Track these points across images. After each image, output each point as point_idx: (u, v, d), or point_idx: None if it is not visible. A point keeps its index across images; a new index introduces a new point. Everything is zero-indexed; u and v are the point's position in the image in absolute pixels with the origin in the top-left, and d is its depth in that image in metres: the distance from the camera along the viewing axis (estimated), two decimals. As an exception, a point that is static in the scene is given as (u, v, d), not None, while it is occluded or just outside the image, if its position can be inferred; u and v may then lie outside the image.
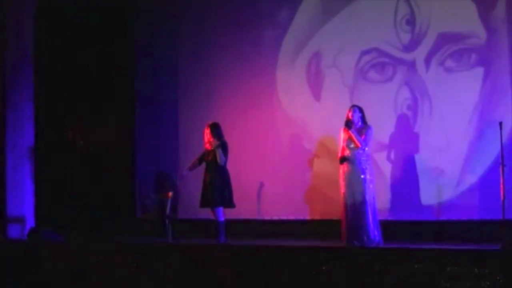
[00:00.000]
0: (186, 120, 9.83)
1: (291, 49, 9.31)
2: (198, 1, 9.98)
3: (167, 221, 8.83)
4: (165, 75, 10.08)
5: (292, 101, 9.29)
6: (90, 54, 10.13)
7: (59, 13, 10.19)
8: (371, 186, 7.64)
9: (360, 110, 7.82)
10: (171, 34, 10.07)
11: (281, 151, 9.27)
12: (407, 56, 8.59)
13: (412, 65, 8.57)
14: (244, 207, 8.65)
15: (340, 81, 8.96)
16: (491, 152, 7.92)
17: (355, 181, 7.63)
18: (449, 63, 8.39)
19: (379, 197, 7.96)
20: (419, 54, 8.52)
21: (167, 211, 8.93)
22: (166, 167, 9.79)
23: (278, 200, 9.16)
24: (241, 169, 8.90)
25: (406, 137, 8.52)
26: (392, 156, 8.55)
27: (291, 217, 9.09)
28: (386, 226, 7.85)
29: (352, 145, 7.69)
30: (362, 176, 7.62)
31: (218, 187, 8.08)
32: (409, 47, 8.59)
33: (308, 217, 9.03)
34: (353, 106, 7.88)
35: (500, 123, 7.26)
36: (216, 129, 8.22)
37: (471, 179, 8.18)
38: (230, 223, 8.26)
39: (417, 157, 8.42)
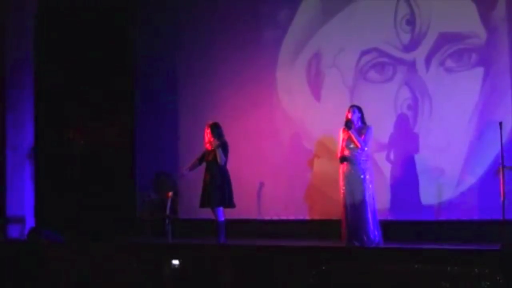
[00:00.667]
0: (186, 120, 9.83)
1: (291, 49, 9.31)
2: (198, 1, 9.97)
3: (167, 221, 8.83)
4: (165, 75, 10.07)
5: (292, 101, 9.29)
6: (90, 54, 10.13)
7: (59, 13, 10.18)
8: (370, 186, 7.65)
9: (359, 110, 7.82)
10: (171, 34, 10.07)
11: (281, 151, 9.27)
12: (407, 56, 8.60)
13: (412, 65, 8.57)
14: (244, 207, 8.65)
15: (340, 81, 8.96)
16: (491, 152, 7.92)
17: (354, 181, 7.64)
18: (449, 63, 8.39)
19: (379, 197, 7.97)
20: (419, 54, 8.52)
21: (167, 211, 8.93)
22: (166, 167, 9.78)
23: (278, 200, 9.16)
24: (241, 169, 8.90)
25: (406, 137, 8.52)
26: (392, 156, 8.56)
27: (291, 217, 9.09)
28: (386, 226, 7.86)
29: (351, 145, 7.69)
30: (361, 176, 7.63)
31: (218, 187, 8.08)
32: (409, 47, 8.59)
33: (308, 217, 9.04)
34: (352, 106, 7.88)
35: (500, 123, 7.26)
36: (216, 129, 8.22)
37: (471, 179, 8.19)
38: (230, 223, 8.26)
39: (417, 157, 8.42)
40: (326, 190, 8.75)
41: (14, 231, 9.49)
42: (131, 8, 10.31)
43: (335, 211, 8.00)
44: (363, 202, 7.58)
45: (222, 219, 8.12)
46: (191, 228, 9.16)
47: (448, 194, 8.30)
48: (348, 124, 7.68)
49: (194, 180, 8.57)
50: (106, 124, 10.25)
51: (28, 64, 9.85)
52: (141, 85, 10.24)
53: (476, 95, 8.25)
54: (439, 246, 7.12)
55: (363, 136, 7.67)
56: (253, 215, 9.17)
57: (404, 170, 8.48)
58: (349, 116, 7.76)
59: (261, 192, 9.22)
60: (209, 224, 8.31)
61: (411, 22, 8.61)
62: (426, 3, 8.52)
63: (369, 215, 7.58)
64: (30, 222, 9.62)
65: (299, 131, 9.22)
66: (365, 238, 7.54)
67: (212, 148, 8.15)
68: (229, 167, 8.21)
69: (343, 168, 7.75)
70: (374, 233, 7.58)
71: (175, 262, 6.92)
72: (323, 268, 6.37)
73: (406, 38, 8.62)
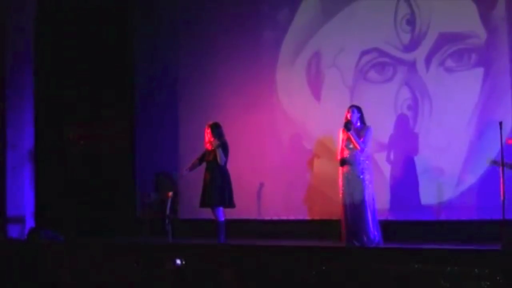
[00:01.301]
0: (186, 120, 9.83)
1: (291, 49, 9.32)
2: (198, 2, 9.97)
3: (167, 221, 8.82)
4: (165, 75, 10.07)
5: (292, 101, 9.29)
6: (90, 54, 10.13)
7: (59, 13, 10.19)
8: (370, 186, 7.64)
9: (359, 110, 7.82)
10: (171, 35, 10.07)
11: (281, 151, 9.28)
12: (407, 56, 8.60)
13: (412, 65, 8.57)
14: (244, 207, 8.65)
15: (340, 81, 8.96)
16: (491, 152, 7.91)
17: (354, 182, 7.63)
18: (449, 63, 8.39)
19: (379, 197, 7.96)
20: (419, 54, 8.52)
21: (167, 211, 8.93)
22: (166, 167, 9.79)
23: (278, 200, 9.16)
24: (241, 169, 8.90)
25: (406, 137, 8.52)
26: (392, 156, 8.56)
27: (291, 217, 9.09)
28: (386, 226, 7.86)
29: (351, 146, 7.69)
30: (361, 177, 7.62)
31: (218, 187, 8.08)
32: (409, 47, 8.59)
33: (308, 217, 9.04)
34: (352, 106, 7.87)
35: (500, 123, 7.25)
36: (216, 129, 8.22)
37: (471, 179, 8.19)
38: (230, 223, 8.26)
39: (417, 157, 8.42)
40: (326, 190, 8.75)
41: (14, 231, 9.49)
42: (131, 8, 10.31)
43: (335, 211, 8.00)
44: (362, 202, 7.58)
45: (222, 219, 8.12)
46: (191, 228, 9.16)
47: (448, 194, 8.30)
48: (347, 126, 7.66)
49: (194, 180, 8.57)
50: (106, 124, 10.26)
51: (28, 64, 9.85)
52: (141, 85, 10.24)
53: (476, 95, 8.25)
54: (439, 246, 7.12)
55: (362, 138, 7.66)
56: (253, 215, 9.18)
57: (404, 170, 8.48)
58: (349, 117, 7.75)
59: (261, 192, 9.23)
60: (209, 224, 8.31)
61: (411, 22, 8.61)
62: (426, 3, 8.52)
63: (369, 215, 7.58)
64: (30, 222, 9.62)
65: (299, 131, 9.22)
66: (365, 238, 7.53)
67: (212, 148, 8.15)
68: (229, 167, 8.21)
69: (342, 168, 7.74)
70: (374, 233, 7.58)
71: (178, 261, 6.92)
72: (323, 268, 6.37)
73: (406, 38, 8.62)
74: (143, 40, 10.25)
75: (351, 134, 7.63)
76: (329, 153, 8.65)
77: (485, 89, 8.22)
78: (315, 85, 9.16)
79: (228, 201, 8.14)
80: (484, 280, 5.71)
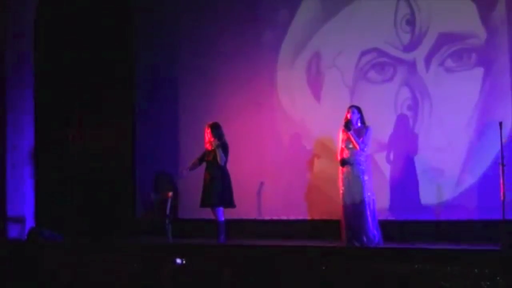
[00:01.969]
0: (186, 120, 9.82)
1: (291, 49, 9.31)
2: (198, 2, 9.97)
3: (167, 221, 8.83)
4: (165, 75, 10.07)
5: (292, 101, 9.29)
6: (90, 54, 10.13)
7: (60, 13, 10.18)
8: (370, 186, 7.65)
9: (359, 110, 7.82)
10: (171, 35, 10.07)
11: (281, 151, 9.27)
12: (407, 56, 8.60)
13: (412, 65, 8.57)
14: (244, 207, 8.66)
15: (340, 81, 8.96)
16: (491, 152, 7.92)
17: (354, 182, 7.64)
18: (449, 63, 8.39)
19: (379, 197, 7.96)
20: (419, 54, 8.52)
21: (167, 211, 8.93)
22: (166, 167, 9.79)
23: (278, 200, 9.16)
24: (241, 169, 8.90)
25: (406, 137, 8.53)
26: (392, 156, 8.56)
27: (291, 217, 9.09)
28: (386, 226, 7.86)
29: (351, 146, 7.69)
30: (360, 177, 7.63)
31: (218, 187, 8.09)
32: (409, 47, 8.59)
33: (308, 217, 9.03)
34: (352, 106, 7.88)
35: (500, 123, 7.26)
36: (216, 129, 8.23)
37: (471, 179, 8.19)
38: (230, 223, 8.26)
39: (417, 157, 8.42)
40: (326, 190, 8.75)
41: (14, 231, 9.48)
42: (131, 9, 10.30)
43: (335, 211, 8.00)
44: (362, 202, 7.59)
45: (222, 219, 8.12)
46: (191, 228, 9.16)
47: (448, 194, 8.30)
48: (347, 126, 7.67)
49: (194, 180, 8.58)
50: (106, 124, 10.25)
51: (28, 64, 9.85)
52: (141, 85, 10.24)
53: (476, 95, 8.25)
54: (439, 246, 7.12)
55: (362, 138, 7.67)
56: (253, 215, 9.17)
57: (404, 170, 8.48)
58: (349, 117, 7.76)
59: (261, 192, 9.22)
60: (209, 224, 8.32)
61: (411, 22, 8.61)
62: (426, 3, 8.52)
63: (369, 215, 7.58)
64: (30, 222, 9.62)
65: (299, 131, 9.22)
66: (365, 238, 7.54)
67: (212, 148, 8.16)
68: (229, 167, 8.22)
69: (342, 168, 7.75)
70: (374, 233, 7.58)
71: (179, 260, 6.92)
72: (323, 268, 6.37)
73: (406, 38, 8.62)
74: (144, 40, 10.24)
75: (351, 134, 7.64)
76: (329, 153, 8.66)
77: (485, 89, 8.22)
78: (315, 85, 9.16)
79: (228, 201, 8.14)
80: (484, 280, 5.71)
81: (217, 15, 9.76)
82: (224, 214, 8.16)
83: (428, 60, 8.48)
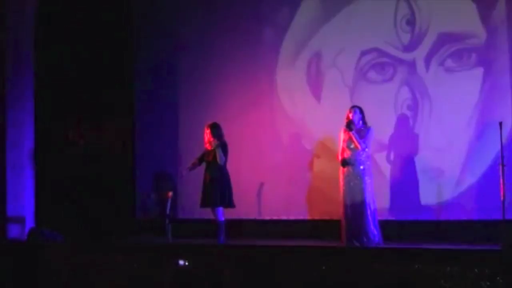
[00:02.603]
0: (186, 120, 9.82)
1: (291, 49, 9.31)
2: (198, 2, 9.97)
3: (167, 221, 8.83)
4: (165, 75, 10.07)
5: (292, 101, 9.29)
6: (90, 54, 10.12)
7: (59, 13, 10.18)
8: (370, 186, 7.65)
9: (361, 111, 7.83)
10: (171, 34, 10.07)
11: (281, 151, 9.27)
12: (407, 56, 8.60)
13: (412, 65, 8.57)
14: (244, 207, 8.66)
15: (340, 81, 8.96)
16: (491, 152, 7.92)
17: (354, 181, 7.64)
18: (449, 63, 8.39)
19: (379, 197, 7.97)
20: (419, 54, 8.53)
21: (167, 211, 8.93)
22: (166, 167, 9.79)
23: (278, 200, 9.16)
24: (241, 169, 8.90)
25: (406, 137, 8.53)
26: (392, 156, 8.56)
27: (291, 217, 9.09)
28: (386, 226, 7.86)
29: (352, 146, 7.70)
30: (362, 177, 7.63)
31: (218, 187, 8.08)
32: (409, 47, 8.59)
33: (308, 217, 9.03)
34: (354, 107, 7.88)
35: (500, 123, 7.26)
36: (216, 129, 8.22)
37: (471, 179, 8.19)
38: (230, 223, 8.26)
39: (417, 157, 8.43)
40: (326, 190, 8.75)
41: (14, 231, 9.48)
42: (131, 8, 10.30)
43: (335, 211, 8.00)
44: (363, 202, 7.59)
45: (222, 219, 8.12)
46: (191, 228, 9.16)
47: (448, 194, 8.30)
48: (349, 125, 7.68)
49: (194, 180, 8.58)
50: (106, 124, 10.25)
51: (28, 64, 9.84)
52: (141, 85, 10.23)
53: (476, 95, 8.25)
54: (439, 246, 7.12)
55: (363, 138, 7.67)
56: (253, 215, 9.18)
57: (404, 170, 8.48)
58: (350, 117, 7.76)
59: (261, 192, 9.22)
60: (209, 224, 8.31)
61: (411, 22, 8.61)
62: (426, 3, 8.53)
63: (369, 215, 7.59)
64: (30, 222, 9.61)
65: (299, 131, 9.22)
66: (365, 238, 7.54)
67: (212, 148, 8.15)
68: (229, 167, 8.21)
69: (343, 168, 7.75)
70: (374, 233, 7.58)
71: (181, 262, 6.92)
72: (323, 268, 6.37)
73: (406, 38, 8.62)
74: (143, 40, 10.24)
75: (353, 134, 7.64)
76: (329, 153, 8.66)
77: (485, 89, 8.23)
78: (315, 85, 9.16)
79: (228, 201, 8.14)
80: (484, 280, 5.71)
81: (217, 15, 9.75)
82: (224, 214, 8.15)
83: (428, 60, 8.48)
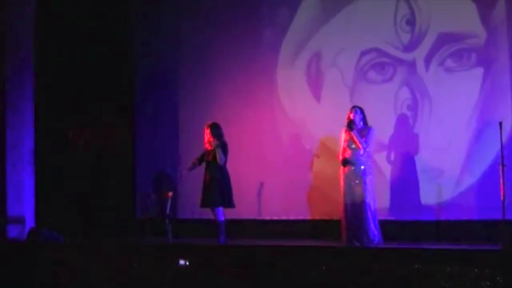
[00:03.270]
0: (186, 120, 9.83)
1: (291, 49, 9.32)
2: (198, 1, 9.97)
3: (167, 221, 8.83)
4: (165, 74, 10.07)
5: (292, 101, 9.29)
6: (90, 54, 10.13)
7: (59, 13, 10.18)
8: (371, 186, 7.65)
9: (362, 111, 7.83)
10: (171, 34, 10.07)
11: (281, 151, 9.28)
12: (407, 56, 8.60)
13: (412, 65, 8.57)
14: (244, 207, 8.66)
15: (340, 81, 8.97)
16: (491, 152, 7.92)
17: (355, 181, 7.65)
18: (449, 63, 8.39)
19: (379, 197, 7.97)
20: (419, 54, 8.53)
21: (167, 211, 8.93)
22: (166, 167, 9.79)
23: (278, 200, 9.16)
24: (241, 169, 8.90)
25: (406, 137, 8.53)
26: (392, 156, 8.56)
27: (291, 217, 9.09)
28: (386, 226, 7.86)
29: (353, 146, 7.70)
30: (362, 177, 7.63)
31: (218, 187, 8.08)
32: (409, 47, 8.60)
33: (308, 217, 9.04)
34: (354, 107, 7.89)
35: (500, 123, 7.26)
36: (216, 129, 8.23)
37: (471, 179, 8.19)
38: (230, 223, 8.26)
39: (417, 157, 8.43)
40: (326, 190, 8.75)
41: (14, 231, 9.48)
42: (131, 9, 10.30)
43: (335, 211, 8.01)
44: (363, 202, 7.59)
45: (222, 219, 8.12)
46: (191, 228, 9.16)
47: (448, 194, 8.30)
48: (350, 125, 7.68)
49: (194, 180, 8.58)
50: (106, 124, 10.25)
51: (28, 64, 9.84)
52: (141, 85, 10.23)
53: (476, 95, 8.25)
54: (439, 246, 7.12)
55: (364, 138, 7.68)
56: (253, 215, 9.18)
57: (404, 170, 8.48)
58: (351, 117, 7.76)
59: (261, 192, 9.23)
60: (209, 224, 8.31)
61: (411, 22, 8.61)
62: (426, 3, 8.53)
63: (369, 215, 7.59)
64: (30, 222, 9.61)
65: (299, 131, 9.23)
66: (365, 238, 7.54)
67: (212, 148, 8.15)
68: (229, 167, 8.21)
69: (344, 168, 7.75)
70: (374, 233, 7.58)
71: (182, 262, 6.92)
72: (323, 268, 6.37)
73: (406, 38, 8.62)
74: (143, 40, 10.24)
75: (354, 134, 7.64)
76: (329, 153, 8.66)
77: (485, 89, 8.23)
78: (315, 85, 9.16)
79: (228, 201, 8.14)
80: (484, 280, 5.71)
81: (217, 15, 9.76)
82: (224, 214, 8.15)
83: (428, 60, 8.48)
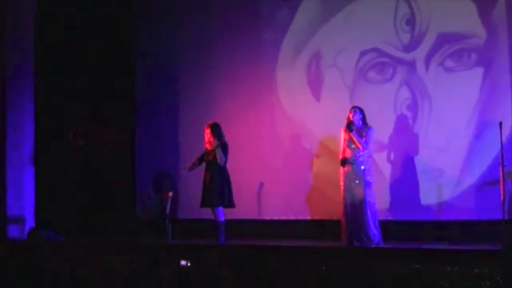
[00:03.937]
0: (186, 120, 9.83)
1: (291, 49, 9.32)
2: (198, 2, 9.97)
3: (167, 221, 8.83)
4: (165, 75, 10.07)
5: (292, 101, 9.29)
6: (90, 54, 10.13)
7: (59, 13, 10.18)
8: (371, 186, 7.66)
9: (361, 111, 7.83)
10: (171, 34, 10.07)
11: (281, 151, 9.28)
12: (407, 56, 8.60)
13: (412, 65, 8.57)
14: (244, 207, 8.66)
15: (340, 81, 8.97)
16: (491, 152, 7.92)
17: (355, 181, 7.65)
18: (449, 63, 8.39)
19: (379, 197, 7.97)
20: (419, 54, 8.53)
21: (167, 211, 8.93)
22: (166, 167, 9.79)
23: (278, 200, 9.16)
24: (241, 169, 8.90)
25: (406, 137, 8.53)
26: (392, 156, 8.56)
27: (291, 217, 9.09)
28: (386, 226, 7.87)
29: (353, 146, 7.70)
30: (362, 177, 7.64)
31: (218, 187, 8.09)
32: (409, 47, 8.60)
33: (308, 217, 9.04)
34: (354, 107, 7.89)
35: (500, 123, 7.26)
36: (216, 129, 8.23)
37: (471, 179, 8.19)
38: (230, 223, 8.26)
39: (417, 157, 8.43)
40: (326, 190, 8.75)
41: (14, 231, 9.48)
42: (131, 8, 10.30)
43: (335, 211, 8.00)
44: (363, 202, 7.59)
45: (222, 219, 8.12)
46: (191, 228, 9.16)
47: (448, 194, 8.30)
48: (349, 126, 7.69)
49: (194, 180, 8.58)
50: (106, 124, 10.25)
51: (28, 64, 9.84)
52: (141, 85, 10.24)
53: (476, 95, 8.25)
54: (439, 246, 7.12)
55: (364, 138, 7.68)
56: (253, 215, 9.18)
57: (404, 170, 8.48)
58: (351, 117, 7.77)
59: (261, 192, 9.23)
60: (209, 224, 8.32)
61: (411, 22, 8.61)
62: (426, 3, 8.53)
63: (369, 215, 7.59)
64: (30, 222, 9.62)
65: (299, 131, 9.22)
66: (365, 238, 7.55)
67: (212, 148, 8.15)
68: (229, 167, 8.21)
69: (344, 168, 7.75)
70: (374, 233, 7.59)
71: (183, 262, 6.92)
72: (323, 268, 6.37)
73: (406, 38, 8.62)
74: (143, 40, 10.24)
75: (353, 135, 7.65)
76: (329, 153, 8.66)
77: (485, 89, 8.23)
78: (315, 85, 9.16)
79: (228, 201, 8.14)
80: (484, 280, 5.71)
81: (217, 14, 9.76)
82: (224, 214, 8.16)
83: (428, 60, 8.48)
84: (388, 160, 8.56)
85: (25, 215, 9.61)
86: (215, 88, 9.65)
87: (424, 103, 8.49)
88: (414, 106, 8.55)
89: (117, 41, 10.21)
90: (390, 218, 8.36)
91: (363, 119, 7.82)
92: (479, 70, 8.26)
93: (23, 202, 9.65)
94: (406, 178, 8.46)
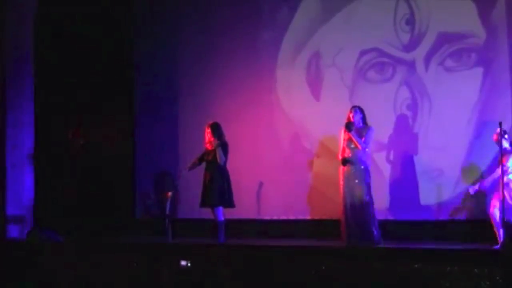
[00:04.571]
0: (186, 120, 9.82)
1: (291, 49, 9.31)
2: (198, 1, 9.97)
3: (167, 221, 8.83)
4: (165, 75, 10.07)
5: (291, 100, 9.29)
6: (90, 54, 10.13)
7: (59, 13, 10.18)
8: (370, 186, 7.66)
9: (361, 111, 7.83)
10: (171, 34, 10.07)
11: (281, 151, 9.27)
12: (407, 56, 8.60)
13: (411, 65, 8.57)
14: (244, 207, 8.66)
15: (339, 80, 8.96)
16: (491, 152, 7.91)
17: (354, 181, 7.65)
18: (448, 62, 8.39)
19: (379, 197, 7.97)
20: (419, 54, 8.53)
21: (167, 211, 8.93)
22: (166, 167, 9.78)
23: (278, 200, 9.16)
24: (241, 169, 8.90)
25: (405, 137, 8.53)
26: (392, 156, 8.56)
27: (291, 217, 9.09)
28: (386, 226, 7.86)
29: (352, 145, 7.71)
30: (362, 177, 7.64)
31: (218, 187, 8.09)
32: (409, 47, 8.59)
33: (308, 217, 9.03)
34: (354, 107, 7.89)
35: (500, 123, 7.26)
36: (216, 129, 8.23)
37: (471, 179, 8.18)
38: (230, 223, 8.26)
39: (416, 157, 8.43)
40: (326, 190, 8.75)
41: (14, 231, 9.48)
42: (131, 8, 10.30)
43: (335, 211, 8.00)
44: (363, 202, 7.59)
45: (222, 219, 8.12)
46: (191, 228, 9.16)
47: (448, 194, 8.30)
48: (348, 126, 7.69)
49: (194, 180, 8.58)
50: (106, 124, 10.24)
51: (28, 64, 9.84)
52: (141, 85, 10.23)
53: (476, 95, 8.25)
54: (439, 246, 7.13)
55: (363, 138, 7.68)
56: (253, 215, 9.17)
57: (403, 170, 8.48)
58: (351, 117, 7.77)
59: (261, 192, 9.22)
60: (209, 224, 8.31)
61: (410, 22, 8.61)
62: (425, 3, 8.52)
63: (369, 215, 7.59)
64: (30, 222, 9.62)
65: (299, 131, 9.22)
66: (365, 238, 7.54)
67: (212, 148, 8.16)
68: (229, 167, 8.21)
69: (343, 168, 7.75)
70: (374, 233, 7.58)
71: (184, 262, 6.92)
72: (323, 268, 6.37)
73: (405, 38, 8.62)
74: (144, 40, 10.24)
75: (352, 135, 7.65)
76: (329, 153, 8.66)
77: (485, 89, 8.23)
78: (315, 84, 9.16)
79: (228, 201, 8.14)
80: (484, 280, 5.72)
81: (217, 14, 9.75)
82: (224, 214, 8.15)
83: (427, 60, 8.48)
84: (388, 160, 8.56)
85: (25, 215, 9.61)
86: (215, 88, 9.64)
87: (424, 103, 8.49)
88: (414, 106, 8.55)
89: (117, 41, 10.21)
90: (390, 218, 8.36)
91: (363, 118, 7.82)
92: (479, 70, 8.26)
93: (23, 202, 9.65)
94: (405, 178, 8.45)
